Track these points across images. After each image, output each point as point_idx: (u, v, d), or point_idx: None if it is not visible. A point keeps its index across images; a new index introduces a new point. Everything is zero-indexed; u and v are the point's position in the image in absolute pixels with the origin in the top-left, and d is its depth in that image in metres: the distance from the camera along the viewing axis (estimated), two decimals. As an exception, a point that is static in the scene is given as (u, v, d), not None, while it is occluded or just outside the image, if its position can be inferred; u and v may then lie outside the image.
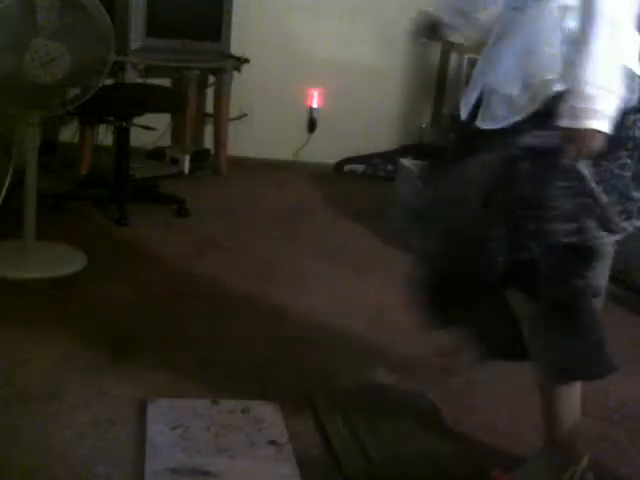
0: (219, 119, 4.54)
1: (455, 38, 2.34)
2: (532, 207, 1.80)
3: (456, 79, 5.05)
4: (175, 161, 4.48)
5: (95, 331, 2.58)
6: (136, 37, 4.08)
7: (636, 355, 2.83)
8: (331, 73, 4.78)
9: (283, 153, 4.86)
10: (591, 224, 1.80)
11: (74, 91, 2.88)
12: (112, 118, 3.86)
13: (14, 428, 2.01)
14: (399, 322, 2.89)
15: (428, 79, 5.19)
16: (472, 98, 1.93)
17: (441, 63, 5.14)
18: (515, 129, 1.81)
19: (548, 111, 1.76)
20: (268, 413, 2.17)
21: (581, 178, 1.77)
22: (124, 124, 3.71)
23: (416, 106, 5.24)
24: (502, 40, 1.88)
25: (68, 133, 4.57)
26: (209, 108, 4.73)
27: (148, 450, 1.95)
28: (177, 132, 4.75)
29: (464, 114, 1.95)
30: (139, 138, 4.14)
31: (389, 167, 4.88)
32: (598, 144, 1.68)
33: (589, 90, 1.66)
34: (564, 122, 1.69)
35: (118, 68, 3.94)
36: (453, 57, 5.04)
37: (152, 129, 4.10)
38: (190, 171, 4.44)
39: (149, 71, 4.29)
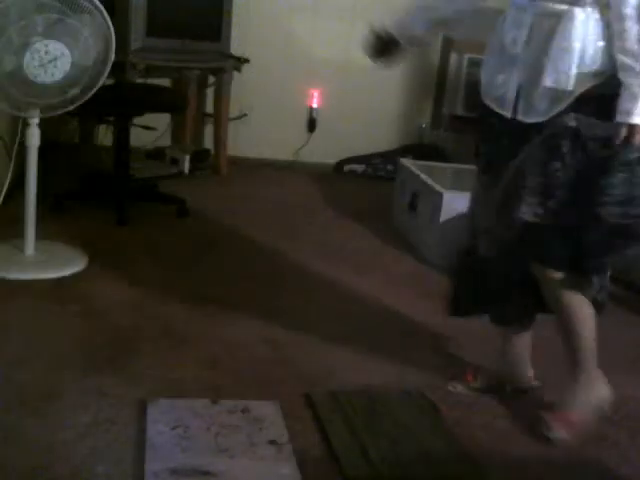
0: (219, 119, 4.54)
1: (411, 51, 2.40)
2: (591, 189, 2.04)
3: (456, 79, 5.04)
4: (175, 161, 4.48)
5: (95, 331, 2.58)
6: (136, 37, 4.08)
7: (636, 355, 2.83)
8: (331, 73, 4.78)
9: (283, 153, 4.85)
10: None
11: (74, 91, 2.88)
12: (112, 118, 3.86)
13: (14, 428, 2.01)
14: (399, 322, 2.90)
15: (428, 79, 5.19)
16: (508, 95, 2.12)
17: (441, 63, 5.14)
18: (558, 118, 2.06)
19: (584, 97, 2.03)
20: (268, 413, 2.17)
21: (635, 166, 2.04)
22: (124, 124, 3.71)
23: (416, 106, 5.23)
24: (533, 41, 2.08)
25: (68, 133, 4.57)
26: (209, 108, 4.73)
27: (148, 450, 1.95)
28: (177, 132, 4.75)
29: (508, 112, 2.13)
30: (139, 138, 4.14)
31: (389, 167, 4.87)
32: None
33: (635, 90, 1.95)
34: (619, 118, 1.98)
35: (118, 68, 3.94)
36: (453, 57, 5.03)
37: (152, 129, 4.10)
38: (190, 171, 4.44)
39: (149, 71, 4.29)
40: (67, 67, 2.80)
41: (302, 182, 4.59)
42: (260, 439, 2.05)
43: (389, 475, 1.98)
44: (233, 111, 4.64)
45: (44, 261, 3.03)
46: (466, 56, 4.99)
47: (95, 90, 2.90)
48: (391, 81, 5.00)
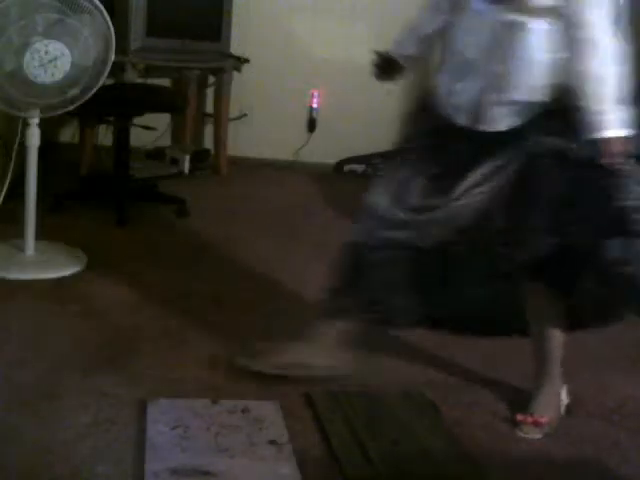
0: (219, 119, 4.54)
1: (411, 73, 2.46)
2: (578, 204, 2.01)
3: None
4: (175, 161, 4.48)
5: (95, 331, 2.58)
6: (136, 37, 4.08)
7: (636, 355, 2.83)
8: (331, 73, 4.78)
9: (283, 153, 4.85)
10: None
11: (74, 91, 2.88)
12: (112, 118, 3.86)
13: (14, 428, 2.01)
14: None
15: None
16: (467, 103, 2.08)
17: (441, 63, 5.14)
18: (522, 130, 2.02)
19: (547, 113, 2.01)
20: (268, 413, 2.17)
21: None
22: (124, 124, 3.71)
23: (416, 106, 5.23)
24: (493, 49, 2.04)
25: (68, 133, 4.57)
26: (209, 108, 4.73)
27: (148, 450, 1.95)
28: (177, 132, 4.74)
29: (461, 119, 2.09)
30: (139, 138, 4.14)
31: (389, 167, 4.87)
32: (622, 147, 1.95)
33: (599, 106, 1.93)
34: (590, 135, 1.95)
35: (118, 68, 3.94)
36: (453, 57, 5.04)
37: (152, 129, 4.10)
38: (190, 171, 4.44)
39: (149, 71, 4.29)
40: (67, 67, 2.80)
41: (302, 182, 4.58)
42: (260, 439, 2.04)
43: (389, 475, 1.98)
44: (233, 111, 4.64)
45: (44, 261, 3.03)
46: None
47: (95, 90, 2.91)
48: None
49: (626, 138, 1.96)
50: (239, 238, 3.57)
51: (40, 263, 3.02)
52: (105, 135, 4.39)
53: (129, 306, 2.79)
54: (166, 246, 3.42)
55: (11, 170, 3.26)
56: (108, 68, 2.92)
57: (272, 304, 2.92)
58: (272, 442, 2.03)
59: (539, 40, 2.00)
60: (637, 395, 2.51)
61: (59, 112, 2.94)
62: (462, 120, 2.10)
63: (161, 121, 4.46)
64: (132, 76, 4.11)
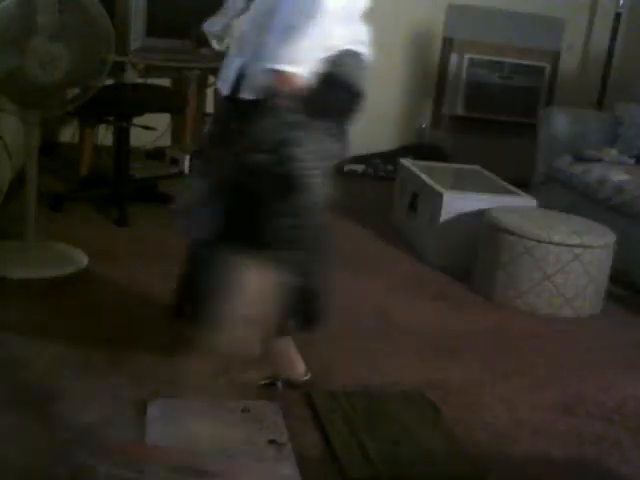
0: (219, 119, 4.53)
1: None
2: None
3: (456, 79, 5.05)
4: (175, 161, 4.48)
5: (95, 331, 2.58)
6: (136, 37, 4.08)
7: (636, 355, 2.83)
8: (331, 73, 4.77)
9: (283, 153, 4.85)
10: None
11: (74, 91, 2.88)
12: (112, 118, 3.86)
13: (14, 428, 2.01)
14: (399, 322, 2.90)
15: (428, 79, 5.19)
16: (230, 73, 2.15)
17: (441, 63, 5.14)
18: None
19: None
20: (268, 413, 2.17)
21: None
22: (124, 124, 3.71)
23: (416, 106, 5.24)
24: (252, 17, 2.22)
25: (68, 133, 4.57)
26: (209, 108, 4.73)
27: (148, 450, 1.95)
28: (177, 132, 4.75)
29: (227, 90, 2.15)
30: (139, 138, 4.14)
31: (389, 167, 4.88)
32: (295, 84, 1.95)
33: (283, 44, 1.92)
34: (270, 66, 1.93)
35: (118, 68, 3.94)
36: (453, 57, 5.04)
37: (152, 129, 4.10)
38: (190, 171, 4.44)
39: (149, 71, 4.29)
40: (67, 67, 2.80)
41: (302, 182, 4.58)
42: (260, 439, 2.04)
43: (389, 475, 1.98)
44: (233, 111, 4.64)
45: (44, 261, 3.03)
46: (466, 56, 5.00)
47: (95, 90, 2.91)
48: (391, 81, 5.01)
49: (297, 77, 1.92)
50: (239, 238, 3.57)
51: (40, 263, 3.01)
52: (105, 135, 4.39)
53: (129, 306, 2.78)
54: (166, 246, 3.41)
55: (11, 170, 3.26)
56: (108, 68, 2.92)
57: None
58: (272, 442, 2.03)
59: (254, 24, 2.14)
60: (637, 395, 2.51)
61: (59, 112, 2.94)
62: (224, 89, 2.15)
63: (161, 121, 4.46)
64: (132, 76, 4.11)
